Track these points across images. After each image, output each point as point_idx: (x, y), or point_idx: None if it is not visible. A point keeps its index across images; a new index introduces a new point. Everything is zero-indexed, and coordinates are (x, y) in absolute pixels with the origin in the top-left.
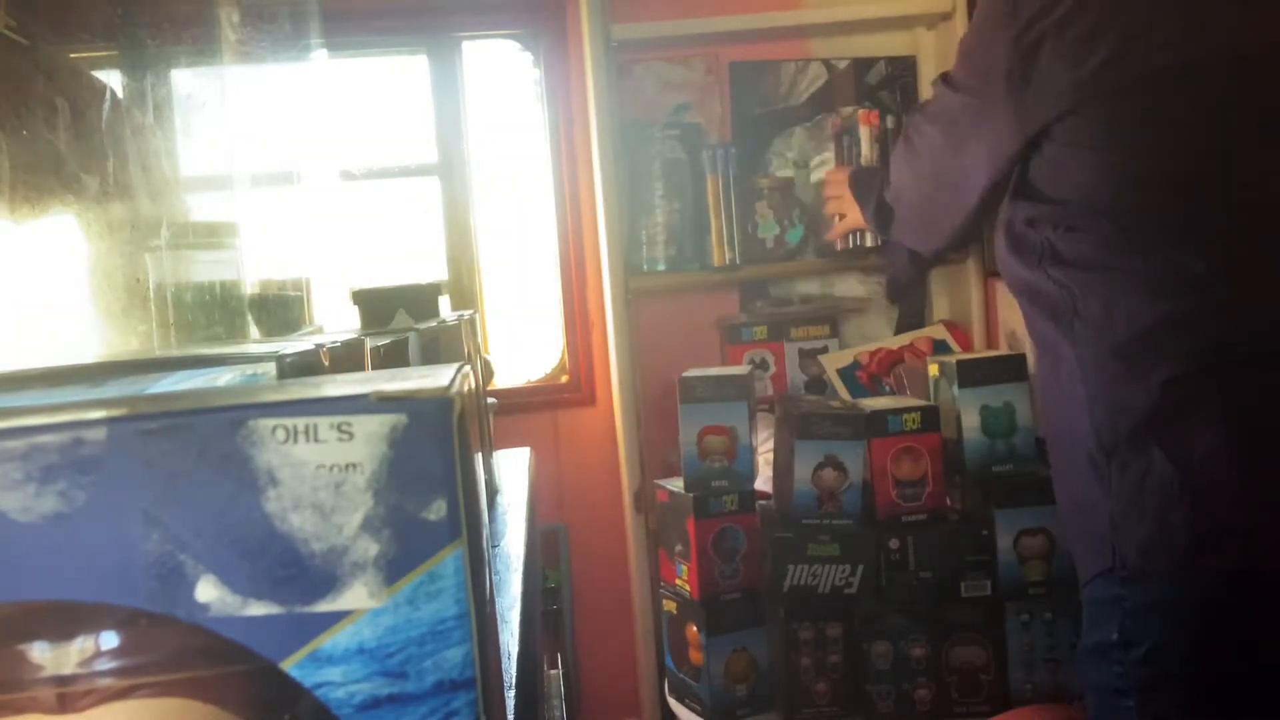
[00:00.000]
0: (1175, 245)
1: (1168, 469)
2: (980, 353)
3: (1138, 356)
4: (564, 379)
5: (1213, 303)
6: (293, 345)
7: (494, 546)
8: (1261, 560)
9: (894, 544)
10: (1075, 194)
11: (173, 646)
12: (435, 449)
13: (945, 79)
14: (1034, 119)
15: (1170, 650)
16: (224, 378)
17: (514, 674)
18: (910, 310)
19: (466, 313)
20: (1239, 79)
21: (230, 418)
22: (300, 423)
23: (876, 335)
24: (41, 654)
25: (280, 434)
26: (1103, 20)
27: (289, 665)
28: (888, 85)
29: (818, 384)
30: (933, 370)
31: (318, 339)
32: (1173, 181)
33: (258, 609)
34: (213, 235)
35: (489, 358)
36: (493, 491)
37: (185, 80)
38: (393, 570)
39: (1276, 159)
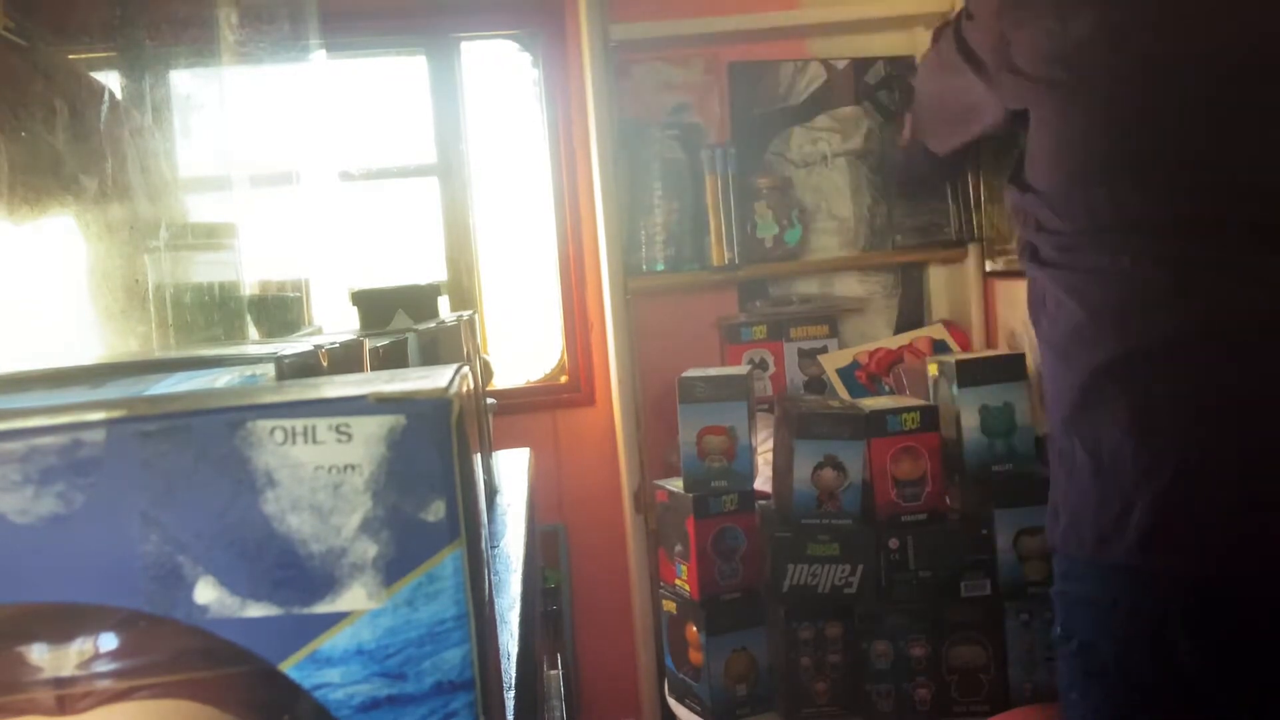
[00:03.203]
0: (1109, 243)
1: (1085, 461)
2: (980, 352)
3: (1067, 352)
4: (563, 379)
5: (1134, 302)
6: (291, 346)
7: (493, 547)
8: (1165, 558)
9: (894, 544)
10: (1039, 183)
11: (171, 648)
12: (434, 450)
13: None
14: (1010, 99)
15: (1097, 645)
16: (223, 379)
17: (513, 674)
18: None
19: (466, 313)
20: (1188, 80)
21: (229, 419)
22: (299, 424)
23: (876, 335)
24: (40, 656)
25: (279, 435)
26: (1069, 13)
27: (288, 666)
28: (887, 85)
29: (817, 384)
30: (932, 370)
31: (316, 340)
32: (1111, 179)
33: (256, 610)
34: (211, 236)
35: (488, 358)
36: (492, 491)
37: (184, 81)
38: (391, 571)
39: (1215, 160)
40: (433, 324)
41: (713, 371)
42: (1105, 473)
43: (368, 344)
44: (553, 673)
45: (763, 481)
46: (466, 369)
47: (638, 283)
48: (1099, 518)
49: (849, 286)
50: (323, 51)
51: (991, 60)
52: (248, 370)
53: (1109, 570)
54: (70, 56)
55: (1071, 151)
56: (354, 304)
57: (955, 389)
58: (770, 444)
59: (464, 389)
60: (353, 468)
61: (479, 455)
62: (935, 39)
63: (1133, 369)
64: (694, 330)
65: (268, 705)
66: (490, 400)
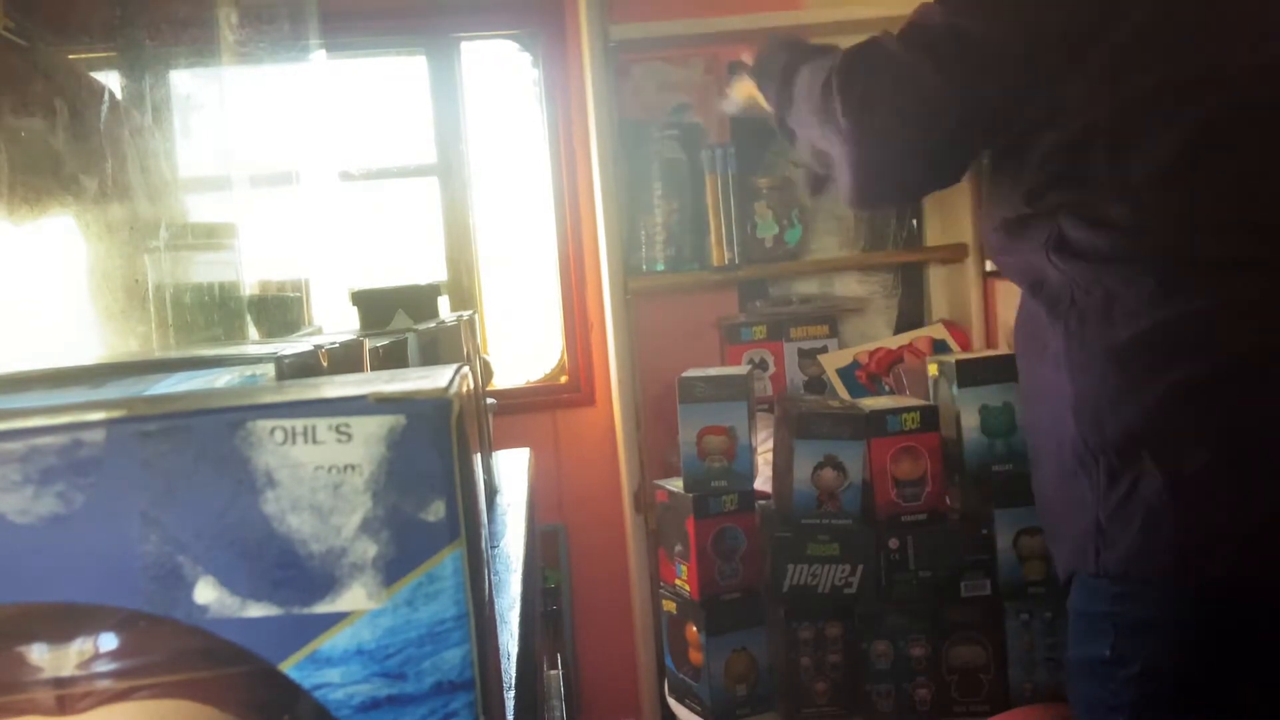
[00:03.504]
0: (1185, 246)
1: (1157, 481)
2: (980, 352)
3: (1132, 361)
4: (563, 379)
5: (1216, 311)
6: (291, 346)
7: (493, 547)
8: (1250, 579)
9: (894, 544)
10: (1115, 171)
11: (171, 648)
12: (434, 450)
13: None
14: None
15: (1164, 670)
16: (223, 379)
17: (513, 674)
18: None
19: (466, 313)
20: (1266, 83)
21: (229, 419)
22: (298, 424)
23: (876, 335)
24: (40, 656)
25: (279, 435)
26: (1149, 24)
27: (288, 666)
28: None
29: (817, 384)
30: (932, 370)
31: (316, 340)
32: (1196, 181)
33: (256, 610)
34: (211, 236)
35: (488, 358)
36: (492, 491)
37: (184, 81)
38: (391, 571)
39: None
40: (433, 324)
41: (713, 371)
42: (1187, 493)
43: (368, 344)
44: (553, 673)
45: (763, 481)
46: (466, 369)
47: (638, 283)
48: (1181, 540)
49: (849, 286)
50: (323, 51)
51: (1053, 46)
52: (248, 370)
53: (1190, 594)
54: (70, 56)
55: (1171, 144)
56: (354, 304)
57: (955, 389)
58: (770, 444)
59: (464, 389)
60: (353, 468)
61: (479, 455)
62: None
63: (1221, 385)
64: (694, 330)
65: (268, 705)
66: (490, 400)
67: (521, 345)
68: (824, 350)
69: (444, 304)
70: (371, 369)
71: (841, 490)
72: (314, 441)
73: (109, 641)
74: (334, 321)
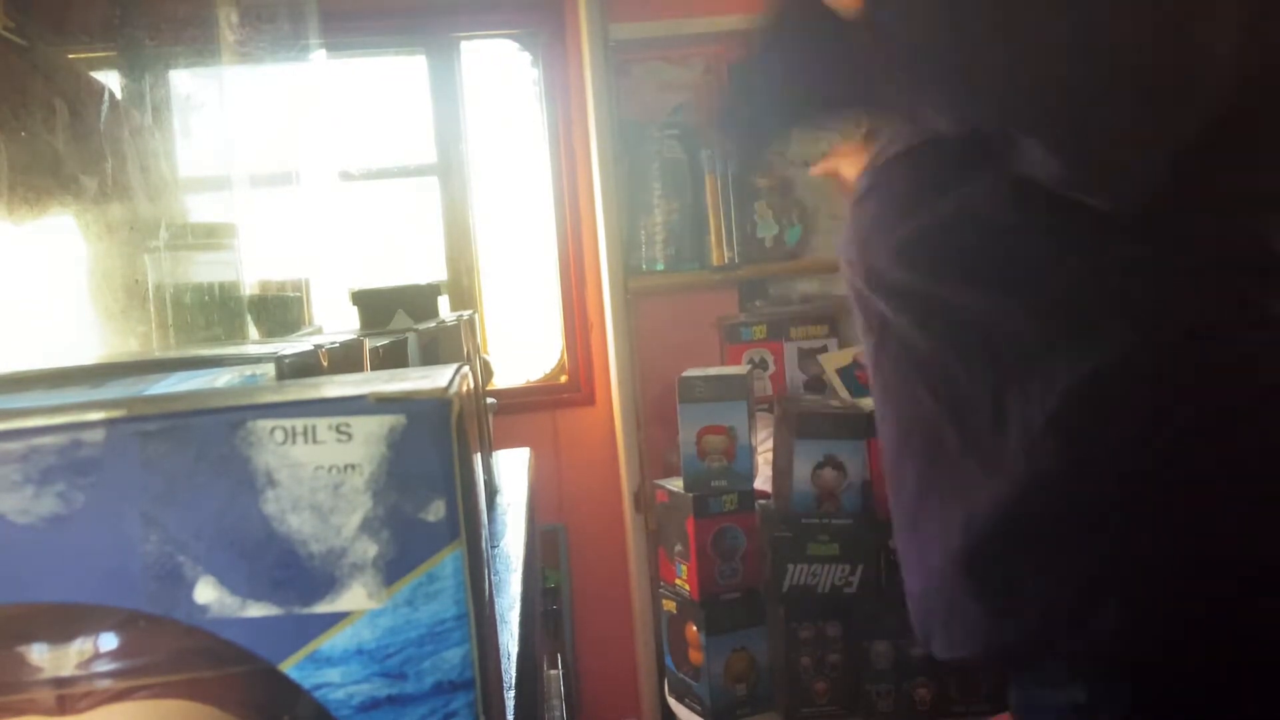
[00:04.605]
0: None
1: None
2: None
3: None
4: (563, 379)
5: None
6: (291, 346)
7: (493, 547)
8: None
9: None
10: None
11: (172, 648)
12: (434, 450)
13: None
14: None
15: None
16: (223, 379)
17: (513, 674)
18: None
19: (466, 313)
20: None
21: (229, 419)
22: (299, 424)
23: None
24: (41, 656)
25: (279, 435)
26: None
27: (288, 666)
28: None
29: (817, 383)
30: None
31: (316, 340)
32: None
33: (256, 610)
34: (211, 236)
35: (488, 358)
36: (492, 491)
37: (184, 81)
38: (391, 571)
39: None
40: (433, 324)
41: (713, 371)
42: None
43: (368, 344)
44: (553, 673)
45: (763, 481)
46: (466, 369)
47: (638, 283)
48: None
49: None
50: (323, 51)
51: None
52: (248, 370)
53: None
54: (70, 56)
55: None
56: (354, 304)
57: None
58: (770, 444)
59: (464, 389)
60: (353, 468)
61: (479, 455)
62: None
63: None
64: (694, 330)
65: (268, 705)
66: (490, 400)
67: (521, 345)
68: (824, 350)
69: (444, 304)
70: (371, 369)
71: (841, 490)
72: (314, 441)
73: (109, 641)
74: (334, 321)
